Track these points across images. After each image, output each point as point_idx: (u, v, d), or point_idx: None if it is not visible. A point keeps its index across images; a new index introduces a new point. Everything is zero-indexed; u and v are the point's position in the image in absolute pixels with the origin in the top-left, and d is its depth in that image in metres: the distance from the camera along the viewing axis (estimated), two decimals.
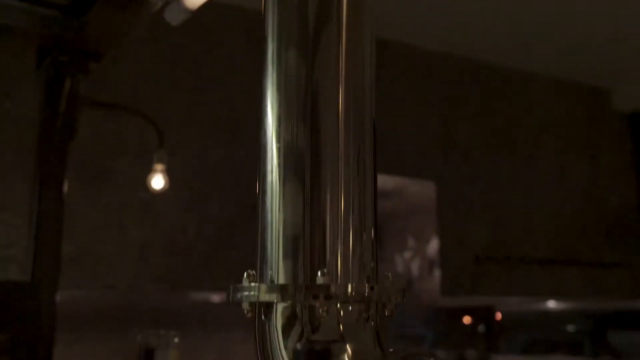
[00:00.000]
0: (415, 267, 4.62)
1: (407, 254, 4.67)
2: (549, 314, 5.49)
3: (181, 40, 3.59)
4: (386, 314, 0.81)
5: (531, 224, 4.63)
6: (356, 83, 0.83)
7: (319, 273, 0.75)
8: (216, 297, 3.72)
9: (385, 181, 4.04)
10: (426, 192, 4.27)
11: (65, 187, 2.36)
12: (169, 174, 2.94)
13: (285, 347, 0.76)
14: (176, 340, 1.71)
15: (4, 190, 3.24)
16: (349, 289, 0.76)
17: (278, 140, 0.81)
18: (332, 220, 0.80)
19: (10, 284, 2.19)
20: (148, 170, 2.76)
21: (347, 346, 0.75)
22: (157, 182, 2.68)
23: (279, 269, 0.78)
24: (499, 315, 4.87)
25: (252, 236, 0.83)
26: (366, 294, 0.77)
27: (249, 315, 0.81)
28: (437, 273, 4.25)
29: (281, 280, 0.78)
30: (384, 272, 0.82)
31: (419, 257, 4.53)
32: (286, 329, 0.77)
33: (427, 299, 4.37)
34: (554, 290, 4.61)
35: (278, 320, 0.78)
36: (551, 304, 5.05)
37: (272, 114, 0.82)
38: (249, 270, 0.80)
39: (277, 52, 0.83)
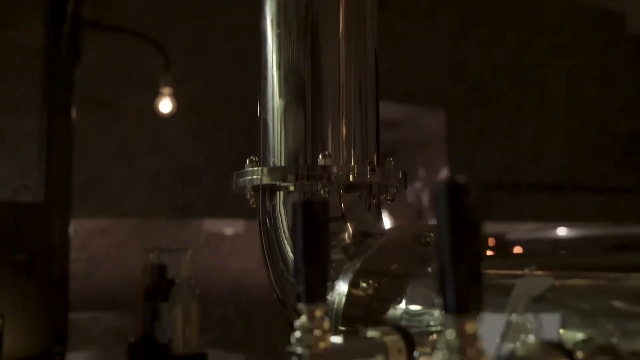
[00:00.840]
0: (425, 198, 4.64)
1: (418, 185, 4.68)
2: (558, 242, 5.52)
3: None
4: (387, 198, 0.82)
5: (542, 150, 4.61)
6: (357, 10, 0.82)
7: (320, 155, 0.76)
8: (229, 229, 3.76)
9: (394, 110, 4.02)
10: (436, 121, 4.25)
11: (74, 115, 2.36)
12: (177, 101, 2.93)
13: (289, 229, 0.77)
14: (188, 255, 1.75)
15: (15, 120, 3.25)
16: (350, 171, 0.76)
17: (279, 58, 0.81)
18: (333, 107, 0.80)
19: (25, 205, 2.23)
20: (156, 98, 2.76)
21: (348, 225, 0.76)
22: (165, 105, 2.68)
23: (281, 154, 0.79)
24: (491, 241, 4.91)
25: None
26: (368, 176, 0.77)
27: (252, 201, 0.82)
28: None
29: (283, 164, 0.78)
30: (387, 158, 0.82)
31: (430, 187, 4.54)
32: (290, 212, 0.78)
33: None
34: (565, 217, 4.62)
35: (281, 204, 0.79)
36: (561, 230, 5.08)
37: (272, 33, 0.82)
38: (252, 157, 0.81)
39: None
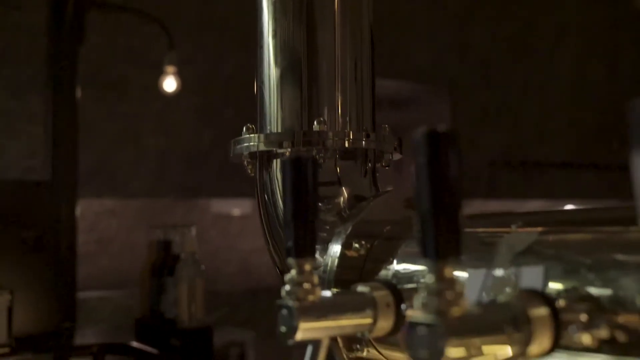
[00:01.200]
0: None
1: None
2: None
3: None
4: (382, 164, 0.83)
5: (548, 128, 4.60)
6: None
7: (315, 121, 0.77)
8: (237, 210, 3.78)
9: (398, 88, 4.01)
10: (441, 100, 4.24)
11: (79, 95, 2.38)
12: (183, 81, 2.94)
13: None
14: (193, 232, 1.77)
15: (23, 101, 3.27)
16: (346, 136, 0.78)
17: (274, 27, 0.81)
18: (328, 75, 0.81)
19: (32, 184, 2.25)
20: (160, 78, 2.76)
21: (343, 189, 0.77)
22: (169, 84, 2.69)
23: (277, 121, 0.80)
24: None
25: None
26: (363, 142, 0.78)
27: (250, 168, 0.83)
28: None
29: (279, 131, 0.80)
30: (382, 125, 0.83)
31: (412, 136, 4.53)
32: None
33: None
34: (571, 195, 4.62)
35: (277, 171, 0.80)
36: (568, 208, 5.08)
37: (268, 2, 0.82)
38: (248, 124, 0.82)
39: None
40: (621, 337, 0.40)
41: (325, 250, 0.69)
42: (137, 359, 1.70)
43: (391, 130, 0.83)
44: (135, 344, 1.77)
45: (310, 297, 0.47)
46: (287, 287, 0.48)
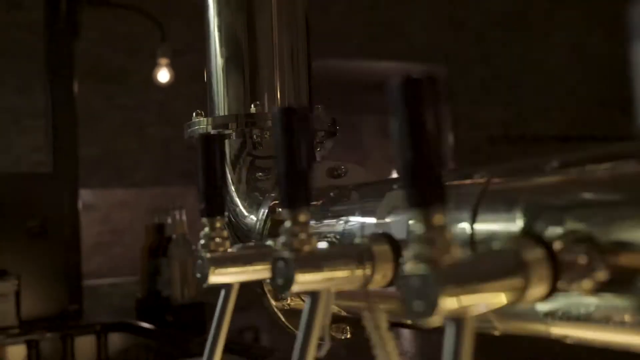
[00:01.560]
0: None
1: None
2: None
3: None
4: (317, 141, 0.92)
5: (546, 101, 4.64)
6: None
7: (253, 105, 0.86)
8: None
9: (394, 69, 4.08)
10: (437, 76, 4.28)
11: (77, 88, 2.48)
12: (181, 71, 3.03)
13: (234, 170, 0.88)
14: (183, 215, 1.87)
15: (26, 98, 3.40)
16: None
17: (219, 21, 0.90)
18: (267, 63, 0.89)
19: (35, 176, 2.37)
20: (154, 69, 2.86)
21: None
22: (163, 75, 2.79)
23: (224, 106, 0.90)
24: None
25: None
26: None
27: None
28: (451, 156, 4.35)
29: (226, 114, 0.89)
30: (316, 105, 0.92)
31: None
32: (233, 156, 0.89)
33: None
34: None
35: (227, 150, 0.90)
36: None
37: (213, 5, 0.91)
38: (198, 110, 0.92)
39: None
40: (620, 277, 0.37)
41: (257, 215, 0.78)
42: (136, 335, 1.82)
43: (320, 108, 0.91)
44: (134, 322, 1.89)
45: (306, 248, 0.46)
46: (282, 239, 0.47)
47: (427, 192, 0.37)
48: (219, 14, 0.91)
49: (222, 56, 0.90)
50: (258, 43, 0.89)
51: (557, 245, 0.40)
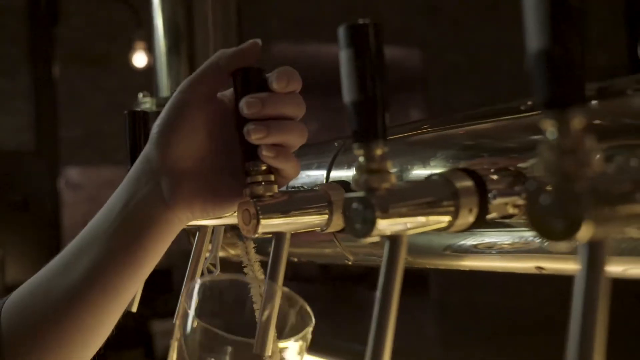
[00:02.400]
0: None
1: None
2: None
3: None
4: None
5: (520, 87, 4.77)
6: None
7: None
8: None
9: None
10: (413, 62, 4.43)
11: (59, 72, 2.62)
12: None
13: None
14: None
15: (10, 80, 3.53)
16: None
17: (162, 13, 1.05)
18: (204, 50, 1.04)
19: (19, 154, 2.52)
20: (129, 53, 3.00)
21: None
22: (140, 59, 2.93)
23: (166, 87, 1.05)
24: None
25: None
26: None
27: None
28: None
29: (167, 95, 1.04)
30: None
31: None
32: None
33: None
34: None
35: None
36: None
37: None
38: (145, 92, 1.07)
39: None
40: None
41: None
42: None
43: None
44: None
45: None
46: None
47: (370, 128, 0.40)
48: (162, 7, 1.06)
49: (165, 44, 1.05)
50: (195, 32, 1.04)
51: (485, 177, 0.45)
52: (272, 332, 0.48)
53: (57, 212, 2.40)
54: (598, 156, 0.30)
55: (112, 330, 0.60)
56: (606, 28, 5.12)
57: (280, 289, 0.49)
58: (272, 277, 0.51)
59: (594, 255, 0.30)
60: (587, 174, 0.30)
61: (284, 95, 0.52)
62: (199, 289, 0.51)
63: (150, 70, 3.05)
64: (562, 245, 0.30)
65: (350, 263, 0.72)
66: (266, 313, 0.47)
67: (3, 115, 3.44)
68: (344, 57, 0.42)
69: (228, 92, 0.57)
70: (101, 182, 3.86)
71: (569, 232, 0.29)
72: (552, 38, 0.30)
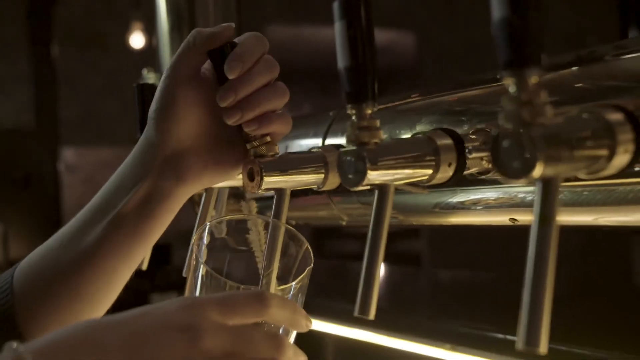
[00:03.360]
0: None
1: None
2: None
3: None
4: None
5: None
6: None
7: None
8: None
9: None
10: (406, 44, 4.46)
11: (56, 52, 2.66)
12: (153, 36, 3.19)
13: None
14: None
15: (11, 62, 3.56)
16: None
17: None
18: (204, 24, 1.09)
19: (20, 133, 2.57)
20: (126, 34, 3.03)
21: None
22: (137, 40, 2.97)
23: (167, 64, 1.10)
24: None
25: None
26: None
27: None
28: None
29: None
30: None
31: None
32: None
33: None
34: None
35: None
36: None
37: None
38: (148, 67, 1.12)
39: None
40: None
41: None
42: None
43: None
44: None
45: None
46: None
47: (361, 90, 0.44)
48: None
49: (167, 22, 1.10)
50: (196, 12, 1.09)
51: (463, 135, 0.51)
52: (274, 276, 0.54)
53: (57, 189, 2.46)
54: (550, 108, 0.36)
55: (112, 305, 0.62)
56: (599, 13, 5.16)
57: (284, 225, 0.54)
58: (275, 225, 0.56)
59: (547, 190, 0.36)
60: (541, 122, 0.35)
61: (253, 73, 0.55)
62: (208, 232, 0.56)
63: (147, 51, 3.09)
64: (521, 182, 0.36)
65: (344, 223, 0.77)
66: (270, 255, 0.53)
67: (3, 95, 3.48)
68: (337, 28, 0.47)
69: (209, 65, 0.59)
70: (97, 163, 3.90)
71: (525, 170, 0.35)
72: (511, 9, 0.35)
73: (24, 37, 2.92)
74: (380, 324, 0.99)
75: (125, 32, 3.40)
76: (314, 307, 0.70)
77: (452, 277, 1.13)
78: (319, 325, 1.09)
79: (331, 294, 1.28)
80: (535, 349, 0.35)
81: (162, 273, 1.69)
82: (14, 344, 0.39)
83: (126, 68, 3.71)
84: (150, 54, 3.49)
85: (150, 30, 3.08)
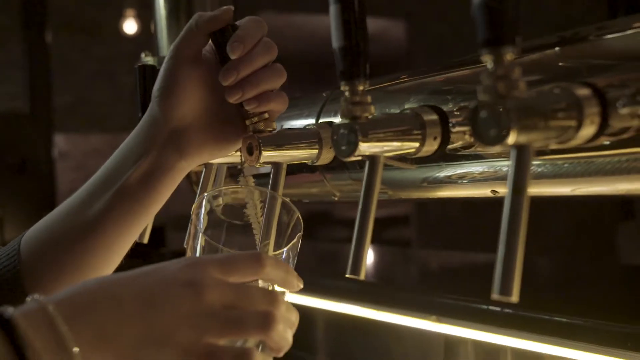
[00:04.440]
0: None
1: None
2: None
3: None
4: None
5: None
6: None
7: None
8: None
9: None
10: (397, 33, 4.49)
11: (51, 39, 2.67)
12: (147, 23, 3.22)
13: None
14: None
15: (3, 48, 3.56)
16: None
17: None
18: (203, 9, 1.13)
19: (15, 118, 2.59)
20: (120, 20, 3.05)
21: None
22: (130, 26, 2.99)
23: (166, 48, 1.13)
24: None
25: None
26: None
27: None
28: None
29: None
30: None
31: None
32: None
33: None
34: None
35: None
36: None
37: None
38: (146, 51, 1.15)
39: None
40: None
41: None
42: None
43: None
44: None
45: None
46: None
47: (353, 67, 0.48)
48: None
49: (165, 8, 1.13)
50: None
51: (448, 112, 0.55)
52: (272, 242, 0.58)
53: (52, 174, 2.49)
54: (523, 83, 0.40)
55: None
56: (589, 5, 5.19)
57: (280, 197, 0.58)
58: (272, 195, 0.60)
59: (521, 157, 0.40)
60: (515, 95, 0.39)
61: (254, 54, 0.59)
62: (207, 201, 0.60)
63: (140, 37, 3.11)
64: (497, 149, 0.40)
65: (336, 199, 0.81)
66: (267, 223, 0.57)
67: None
68: (332, 10, 0.51)
69: (210, 47, 0.63)
70: (88, 150, 3.92)
71: (500, 137, 0.39)
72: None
73: (18, 24, 2.93)
74: (367, 298, 1.03)
75: (118, 18, 3.41)
76: (305, 285, 0.74)
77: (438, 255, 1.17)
78: (310, 300, 1.13)
79: (322, 274, 1.33)
80: (508, 298, 0.39)
81: (157, 254, 1.74)
82: (37, 296, 0.43)
83: (119, 55, 3.73)
84: (143, 41, 3.50)
85: (143, 17, 3.10)
